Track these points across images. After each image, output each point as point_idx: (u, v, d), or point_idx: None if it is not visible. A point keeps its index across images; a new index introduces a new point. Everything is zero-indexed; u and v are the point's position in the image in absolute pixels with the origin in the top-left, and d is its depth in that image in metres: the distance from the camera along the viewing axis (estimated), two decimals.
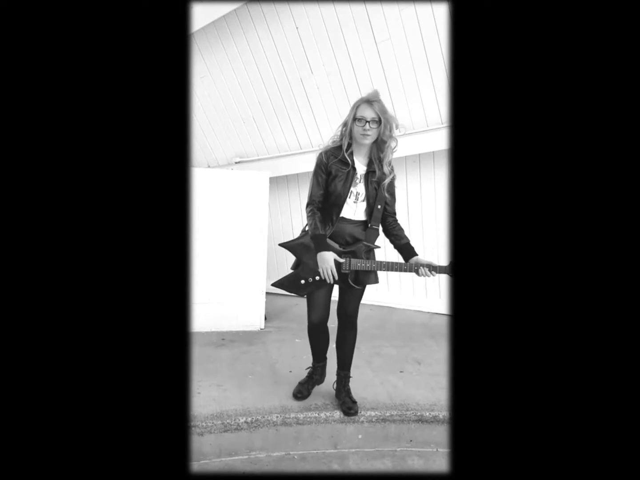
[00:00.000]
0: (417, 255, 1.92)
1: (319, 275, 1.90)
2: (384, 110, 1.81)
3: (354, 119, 1.83)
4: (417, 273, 1.83)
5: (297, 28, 3.81)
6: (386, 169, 1.89)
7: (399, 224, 2.01)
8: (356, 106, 1.85)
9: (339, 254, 1.88)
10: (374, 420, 2.06)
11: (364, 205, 1.93)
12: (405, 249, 1.96)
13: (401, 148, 2.04)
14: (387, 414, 2.08)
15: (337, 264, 1.87)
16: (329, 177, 1.88)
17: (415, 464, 1.97)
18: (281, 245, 1.98)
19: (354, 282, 1.92)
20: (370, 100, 1.82)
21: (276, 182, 4.25)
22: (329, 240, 1.88)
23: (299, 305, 4.40)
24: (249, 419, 1.99)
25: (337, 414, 2.05)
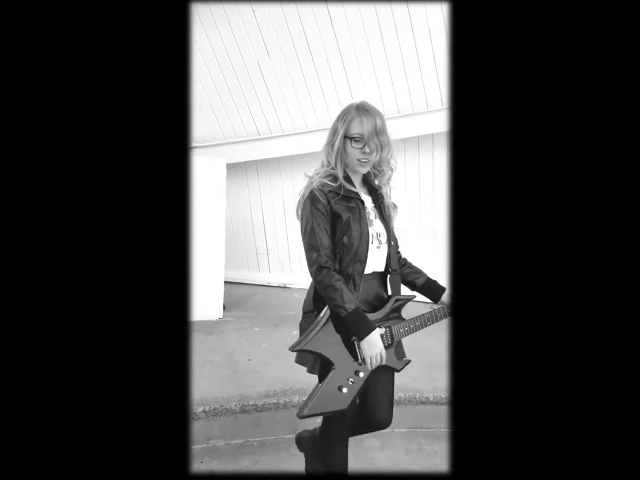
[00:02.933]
0: (445, 288, 1.47)
1: (363, 370, 1.30)
2: (377, 131, 1.30)
3: (346, 137, 1.31)
4: None
5: (253, 11, 3.72)
6: (388, 200, 1.42)
7: (405, 259, 1.55)
8: (348, 119, 1.32)
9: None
10: None
11: (386, 249, 1.39)
12: (432, 285, 1.49)
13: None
14: None
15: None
16: (336, 223, 1.31)
17: (373, 445, 2.01)
18: (297, 350, 1.30)
19: (400, 356, 1.39)
20: (366, 112, 1.31)
21: (234, 168, 4.17)
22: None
23: (259, 294, 4.37)
24: (207, 408, 1.97)
25: (296, 398, 2.06)
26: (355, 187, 1.36)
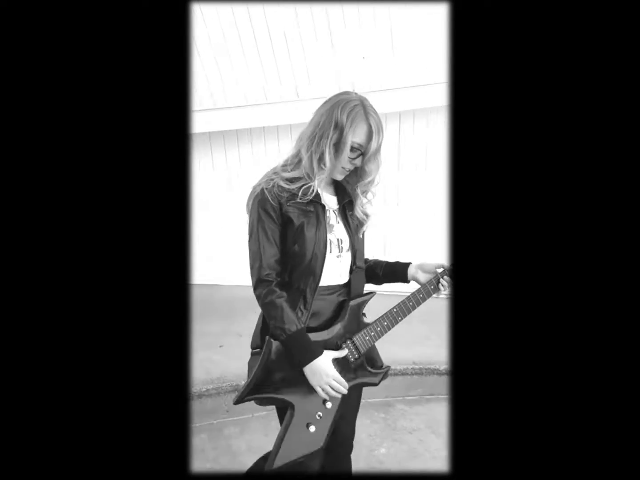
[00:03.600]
0: (408, 263, 1.29)
1: (330, 400, 1.10)
2: (379, 145, 1.12)
3: (341, 143, 1.08)
4: (438, 289, 1.21)
5: None
6: (363, 210, 1.21)
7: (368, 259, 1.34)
8: (355, 121, 1.08)
9: (333, 346, 1.12)
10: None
11: (349, 257, 1.18)
12: (393, 270, 1.30)
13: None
14: (204, 389, 2.17)
15: (340, 362, 1.12)
16: (287, 228, 1.10)
17: (232, 432, 2.05)
18: (238, 401, 1.08)
19: (374, 367, 1.20)
20: (377, 117, 1.11)
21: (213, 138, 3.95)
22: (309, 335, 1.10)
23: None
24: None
25: None
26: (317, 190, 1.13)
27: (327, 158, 1.08)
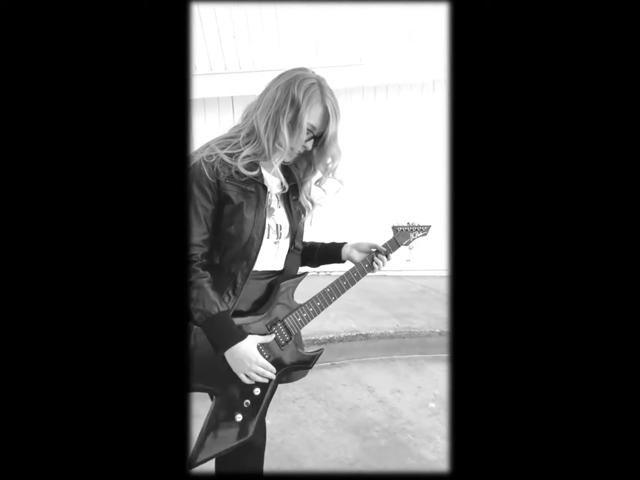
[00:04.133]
0: (343, 243, 1.27)
1: (258, 386, 1.06)
2: (336, 131, 1.07)
3: (297, 122, 1.02)
4: (372, 268, 1.21)
5: None
6: (309, 197, 1.16)
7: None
8: (311, 100, 1.02)
9: (262, 329, 1.08)
10: None
11: (287, 243, 1.14)
12: (327, 250, 1.28)
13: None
14: None
15: (269, 346, 1.08)
16: (224, 206, 1.03)
17: None
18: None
19: (307, 352, 1.17)
20: (335, 110, 1.05)
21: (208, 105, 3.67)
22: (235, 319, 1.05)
23: None
24: None
25: None
26: (261, 168, 1.06)
27: (285, 137, 1.01)
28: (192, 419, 0.82)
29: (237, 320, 1.03)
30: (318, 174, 1.16)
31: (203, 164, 1.00)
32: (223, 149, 1.02)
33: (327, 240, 1.33)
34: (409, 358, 2.82)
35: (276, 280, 1.12)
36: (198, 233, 1.01)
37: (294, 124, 1.02)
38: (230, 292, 1.04)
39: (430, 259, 4.08)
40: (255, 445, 1.18)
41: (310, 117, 1.02)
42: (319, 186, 1.17)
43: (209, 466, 1.66)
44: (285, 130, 1.01)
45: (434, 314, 3.21)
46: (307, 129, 1.03)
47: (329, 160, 1.11)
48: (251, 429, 1.06)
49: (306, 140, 1.05)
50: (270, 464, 1.75)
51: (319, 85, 1.04)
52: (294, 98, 1.01)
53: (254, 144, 1.04)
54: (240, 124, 1.08)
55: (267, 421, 2.07)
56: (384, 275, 3.97)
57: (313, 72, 1.07)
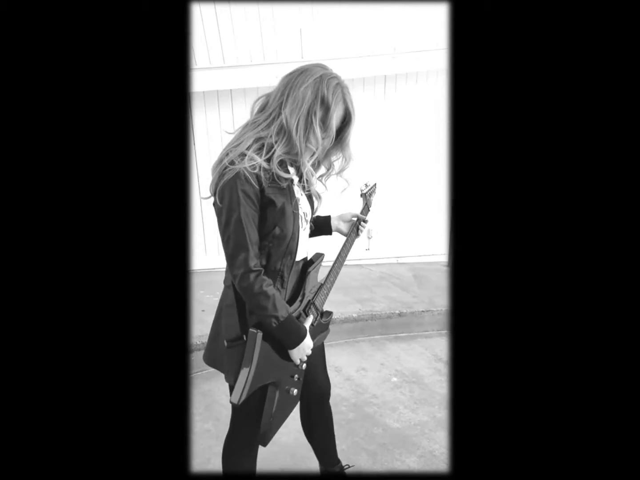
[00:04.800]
0: (328, 216, 1.36)
1: (299, 373, 1.19)
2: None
3: (326, 122, 1.05)
4: (358, 235, 1.35)
5: None
6: (314, 191, 1.18)
7: None
8: (334, 99, 1.04)
9: (304, 316, 1.20)
10: None
11: (309, 229, 1.22)
12: (316, 223, 1.34)
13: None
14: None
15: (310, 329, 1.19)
16: (266, 210, 1.04)
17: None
18: (237, 403, 1.06)
19: (326, 318, 1.28)
20: (348, 94, 1.09)
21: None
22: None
23: None
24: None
25: None
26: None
27: (318, 137, 1.03)
28: (192, 420, 0.90)
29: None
30: (321, 170, 1.20)
31: (248, 175, 1.00)
32: (260, 156, 1.03)
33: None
34: (371, 339, 2.99)
35: (303, 268, 1.20)
36: (255, 242, 1.03)
37: (325, 123, 1.04)
38: (279, 287, 1.10)
39: (387, 247, 4.31)
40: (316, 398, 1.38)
41: (337, 117, 1.06)
42: (321, 182, 1.22)
43: (209, 466, 1.73)
44: (318, 130, 1.02)
45: (393, 298, 3.40)
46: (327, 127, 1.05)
47: (337, 157, 1.17)
48: (299, 395, 1.22)
49: (323, 139, 1.06)
50: None
51: (341, 85, 1.06)
52: (323, 98, 1.02)
53: (285, 142, 1.04)
54: (261, 119, 1.07)
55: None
56: (345, 265, 4.13)
57: (331, 69, 1.09)
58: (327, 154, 1.16)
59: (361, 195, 1.43)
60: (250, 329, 1.05)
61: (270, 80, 3.86)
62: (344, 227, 1.37)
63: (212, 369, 2.27)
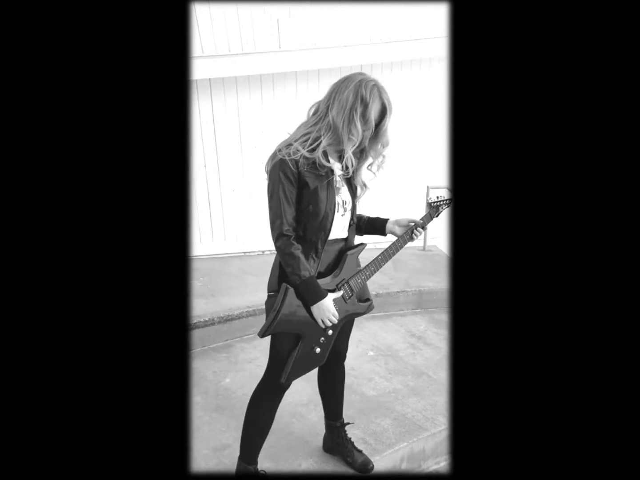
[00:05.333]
0: (386, 219, 1.55)
1: (332, 328, 1.41)
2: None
3: (365, 117, 1.27)
4: (412, 239, 1.52)
5: None
6: (361, 181, 1.43)
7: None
8: (372, 97, 1.26)
9: (334, 288, 1.41)
10: None
11: (349, 215, 1.44)
12: (374, 224, 1.56)
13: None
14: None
15: (337, 300, 1.40)
16: (303, 190, 1.30)
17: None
18: (264, 335, 1.35)
19: (361, 300, 1.51)
20: (385, 92, 1.30)
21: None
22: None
23: None
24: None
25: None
26: (329, 158, 1.33)
27: (358, 129, 1.26)
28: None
29: (319, 282, 1.36)
30: (369, 160, 1.41)
31: (287, 160, 1.27)
32: (304, 147, 1.29)
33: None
34: None
35: (343, 250, 1.44)
36: (290, 213, 1.30)
37: (364, 117, 1.27)
38: (314, 256, 1.36)
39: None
40: (283, 392, 1.51)
41: (374, 112, 1.27)
42: (370, 170, 1.44)
43: (199, 434, 1.86)
44: (358, 124, 1.26)
45: (371, 280, 3.57)
46: (376, 123, 1.28)
47: (380, 146, 1.36)
48: (324, 358, 1.45)
49: (364, 132, 1.29)
50: (237, 413, 2.00)
51: (377, 86, 1.30)
52: (362, 97, 1.26)
53: (330, 135, 1.29)
54: (312, 121, 1.33)
55: (227, 380, 2.32)
56: None
57: (369, 75, 1.32)
58: (371, 145, 1.36)
59: (428, 203, 1.61)
60: (283, 284, 1.33)
61: (248, 69, 3.97)
62: (399, 230, 1.54)
63: (199, 348, 2.41)
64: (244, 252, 4.19)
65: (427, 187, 4.20)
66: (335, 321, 1.38)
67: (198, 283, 3.27)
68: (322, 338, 1.42)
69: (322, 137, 1.29)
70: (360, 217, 1.57)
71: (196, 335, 2.61)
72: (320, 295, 1.34)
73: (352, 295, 1.45)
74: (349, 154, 1.31)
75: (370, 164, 1.43)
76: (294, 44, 3.97)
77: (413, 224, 1.53)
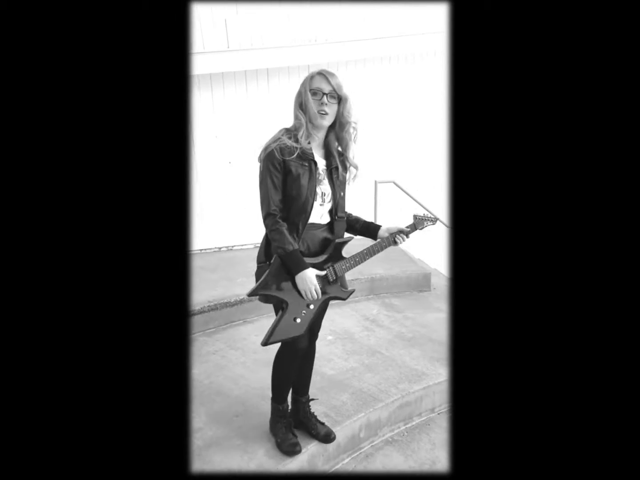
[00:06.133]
0: (380, 226, 1.75)
1: (313, 303, 1.60)
2: (341, 86, 1.56)
3: (307, 91, 1.54)
4: (395, 243, 1.72)
5: None
6: (353, 162, 1.66)
7: (350, 213, 1.81)
8: (310, 77, 1.56)
9: (320, 268, 1.61)
10: None
11: (329, 206, 1.65)
12: (368, 227, 1.77)
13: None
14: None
15: (322, 279, 1.61)
16: (287, 177, 1.53)
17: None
18: (251, 294, 1.56)
19: (344, 287, 1.72)
20: (325, 73, 1.55)
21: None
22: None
23: None
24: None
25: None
26: (311, 148, 1.56)
27: (306, 105, 1.53)
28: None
29: (305, 259, 1.55)
30: (349, 154, 1.63)
31: (275, 150, 1.52)
32: (290, 138, 1.55)
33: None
34: None
35: (330, 240, 1.65)
36: (276, 197, 1.53)
37: (301, 105, 1.56)
38: (295, 236, 1.57)
39: None
40: (303, 350, 1.73)
41: (312, 84, 1.54)
42: (346, 162, 1.66)
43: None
44: (298, 112, 1.56)
45: None
46: (315, 92, 1.53)
47: (344, 121, 1.57)
48: (303, 329, 1.61)
49: (320, 100, 1.52)
50: (204, 400, 2.11)
51: (311, 75, 1.57)
52: (300, 90, 1.58)
53: (297, 125, 1.56)
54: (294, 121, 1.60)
55: (194, 370, 2.42)
56: None
57: (319, 70, 1.58)
58: (338, 136, 1.62)
59: (414, 216, 1.78)
60: (274, 254, 1.55)
61: (198, 69, 4.00)
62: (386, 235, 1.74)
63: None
64: (200, 250, 4.25)
65: (375, 182, 4.44)
66: (317, 296, 1.57)
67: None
68: (304, 311, 1.60)
69: (296, 130, 1.56)
70: (357, 219, 1.79)
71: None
72: (303, 266, 1.53)
73: (336, 278, 1.65)
74: (301, 140, 1.54)
75: (346, 146, 1.64)
76: (243, 43, 4.05)
77: (399, 230, 1.74)
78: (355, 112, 1.60)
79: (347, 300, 3.38)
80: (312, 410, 1.94)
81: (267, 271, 1.55)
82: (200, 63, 3.92)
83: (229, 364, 2.50)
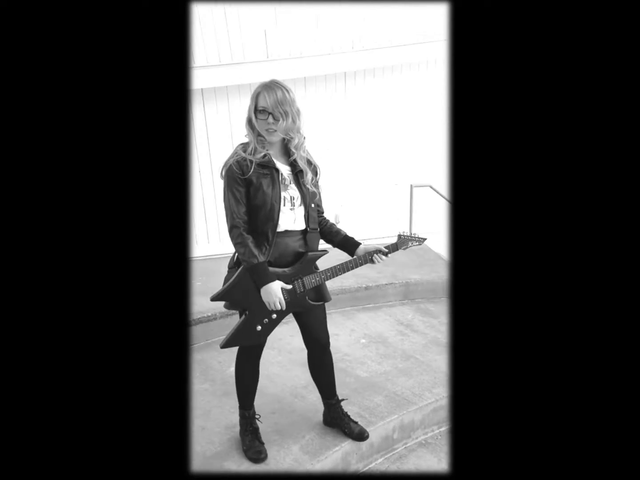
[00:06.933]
0: (359, 243, 1.73)
1: (277, 313, 1.61)
2: (285, 101, 1.50)
3: (255, 109, 1.53)
4: (372, 262, 1.69)
5: None
6: (303, 166, 1.61)
7: (328, 220, 1.79)
8: (256, 93, 1.53)
9: (288, 280, 1.61)
10: None
11: (302, 210, 1.63)
12: (347, 242, 1.74)
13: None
14: None
15: (289, 291, 1.61)
16: (250, 188, 1.54)
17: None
18: (214, 299, 1.59)
19: (316, 300, 1.70)
20: (266, 91, 1.51)
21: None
22: (271, 269, 1.56)
23: None
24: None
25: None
26: (271, 156, 1.57)
27: (254, 122, 1.54)
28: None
29: (271, 269, 1.56)
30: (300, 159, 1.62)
31: (234, 165, 1.54)
32: (245, 152, 1.57)
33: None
34: (343, 310, 3.37)
35: (304, 253, 1.64)
36: (238, 210, 1.54)
37: (251, 116, 1.55)
38: (266, 244, 1.58)
39: (353, 231, 4.67)
40: (258, 356, 1.80)
41: (258, 103, 1.52)
42: (297, 162, 1.64)
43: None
44: (251, 117, 1.55)
45: (360, 274, 3.78)
46: (260, 111, 1.51)
47: (292, 135, 1.57)
48: (264, 338, 1.66)
49: (266, 119, 1.51)
50: None
51: (263, 83, 1.53)
52: (252, 98, 1.55)
53: (248, 140, 1.58)
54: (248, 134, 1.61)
55: (231, 368, 2.50)
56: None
57: (268, 81, 1.57)
58: (288, 147, 1.63)
59: (399, 235, 1.75)
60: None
61: (240, 79, 4.15)
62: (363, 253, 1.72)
63: (203, 342, 2.58)
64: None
65: (411, 186, 4.44)
66: (280, 307, 1.57)
67: (198, 282, 3.45)
68: (266, 319, 1.62)
69: (250, 143, 1.57)
70: (338, 232, 1.77)
71: (200, 330, 2.80)
72: (268, 279, 1.54)
73: (304, 291, 1.64)
74: (271, 148, 1.58)
75: (297, 144, 1.62)
76: (282, 53, 4.17)
77: (376, 249, 1.71)
78: (303, 124, 1.59)
79: (380, 305, 3.46)
80: (344, 410, 1.98)
81: (231, 280, 1.57)
82: (241, 73, 4.07)
83: (266, 362, 2.57)
